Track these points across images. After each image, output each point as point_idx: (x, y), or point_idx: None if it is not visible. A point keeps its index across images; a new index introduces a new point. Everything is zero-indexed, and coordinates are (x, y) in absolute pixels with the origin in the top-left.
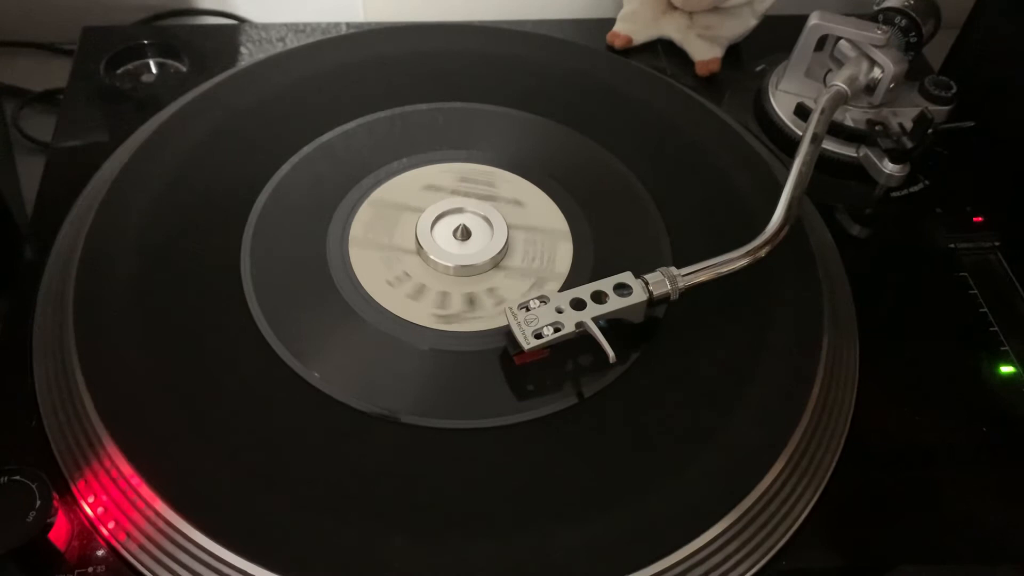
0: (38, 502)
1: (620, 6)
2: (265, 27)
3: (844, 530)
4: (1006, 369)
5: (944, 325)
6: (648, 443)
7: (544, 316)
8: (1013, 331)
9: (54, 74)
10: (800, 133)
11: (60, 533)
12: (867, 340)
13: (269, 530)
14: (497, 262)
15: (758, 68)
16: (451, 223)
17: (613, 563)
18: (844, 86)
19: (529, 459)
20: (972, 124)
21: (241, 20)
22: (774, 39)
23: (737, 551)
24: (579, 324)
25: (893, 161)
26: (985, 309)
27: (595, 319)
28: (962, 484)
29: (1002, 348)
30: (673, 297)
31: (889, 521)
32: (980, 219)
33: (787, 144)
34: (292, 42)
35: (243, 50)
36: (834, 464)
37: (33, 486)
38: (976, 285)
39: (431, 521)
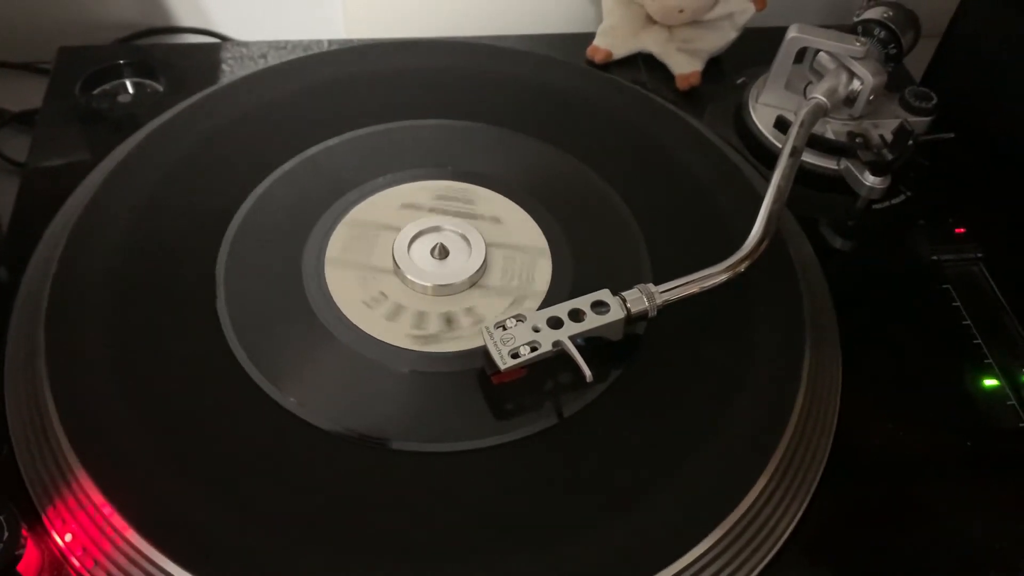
0: (6, 534)
1: (600, 21)
2: (246, 45)
3: (829, 546)
4: (989, 382)
5: (927, 338)
6: (629, 462)
7: (521, 335)
8: (996, 344)
9: (33, 94)
10: (780, 146)
11: (30, 565)
12: (850, 354)
13: (245, 559)
14: (475, 281)
15: (738, 81)
16: (429, 242)
17: None
18: (824, 99)
19: (510, 481)
20: (952, 136)
21: (223, 38)
22: (754, 52)
23: (721, 570)
24: (556, 343)
25: (874, 173)
26: (968, 321)
27: (572, 337)
28: (946, 498)
29: (986, 361)
30: (651, 314)
31: (873, 536)
32: (962, 230)
33: (768, 157)
34: (273, 59)
35: (224, 68)
36: (818, 479)
37: (1, 518)
38: (959, 297)
39: (412, 546)
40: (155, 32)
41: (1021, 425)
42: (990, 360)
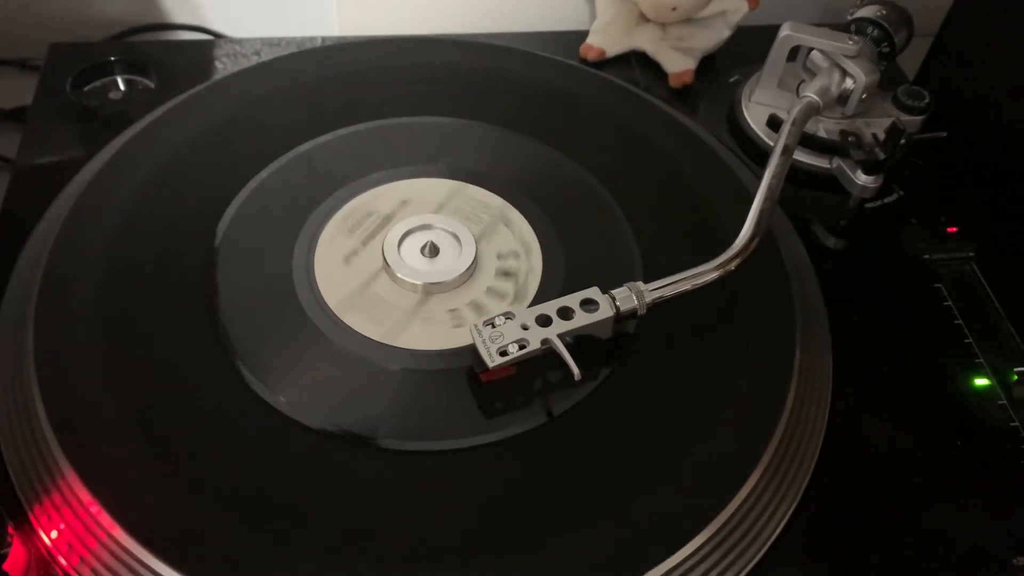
0: None
1: (593, 19)
2: (239, 42)
3: (818, 545)
4: (980, 382)
5: (919, 337)
6: (618, 461)
7: (509, 333)
8: (988, 343)
9: (23, 91)
10: (773, 145)
11: (16, 563)
12: (840, 352)
13: (232, 559)
14: (466, 279)
15: (731, 79)
16: (419, 240)
17: None
18: (816, 97)
19: (498, 480)
20: (945, 135)
21: (216, 35)
22: (747, 50)
23: (712, 568)
24: (544, 341)
25: (866, 172)
26: (960, 321)
27: (561, 336)
28: (937, 497)
29: (976, 360)
30: (640, 312)
31: (864, 535)
32: (954, 229)
33: (760, 156)
34: (266, 57)
35: (217, 65)
36: (808, 479)
37: None
38: (951, 296)
39: (401, 546)
40: (147, 29)
41: (1012, 424)
42: (981, 359)
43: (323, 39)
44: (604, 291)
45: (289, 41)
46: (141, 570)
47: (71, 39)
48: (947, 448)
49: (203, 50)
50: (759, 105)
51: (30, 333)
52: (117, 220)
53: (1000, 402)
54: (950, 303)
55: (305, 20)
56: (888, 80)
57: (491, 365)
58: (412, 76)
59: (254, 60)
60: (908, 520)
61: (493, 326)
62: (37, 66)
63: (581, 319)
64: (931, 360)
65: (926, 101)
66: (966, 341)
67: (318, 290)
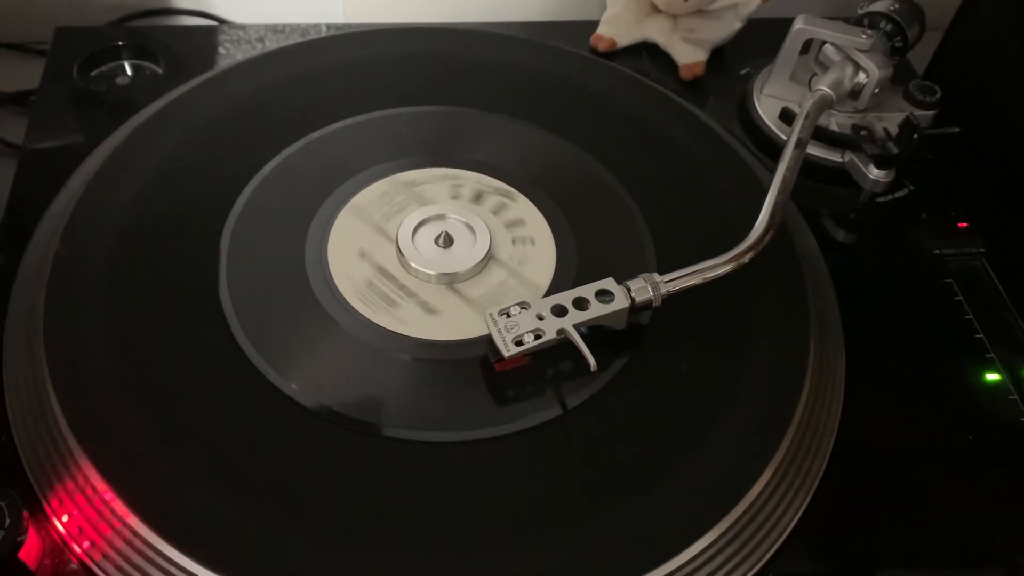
0: (7, 520)
1: (603, 9)
2: (243, 27)
3: (832, 538)
4: (991, 376)
5: (929, 332)
6: (632, 454)
7: (525, 323)
8: (998, 338)
9: (26, 75)
10: (785, 138)
11: (31, 551)
12: (852, 347)
13: (245, 546)
14: (479, 269)
15: (742, 72)
16: (433, 230)
17: None
18: (829, 91)
19: (511, 471)
20: (957, 130)
21: (219, 20)
22: (758, 43)
23: (727, 562)
24: (560, 331)
25: (878, 166)
26: (970, 316)
27: (577, 326)
28: (948, 491)
29: (987, 355)
30: (656, 304)
31: (876, 527)
32: (964, 224)
33: (772, 149)
34: (270, 43)
35: (221, 51)
36: (822, 472)
37: (2, 504)
38: (961, 291)
39: (410, 537)
40: (150, 13)
41: (1022, 419)
42: (992, 354)
43: (327, 26)
44: (619, 282)
45: (293, 28)
46: (153, 555)
47: (71, 23)
48: (958, 443)
49: (206, 36)
50: (770, 98)
51: (40, 321)
52: (127, 206)
53: (1011, 397)
54: (960, 298)
55: (309, 6)
56: (897, 75)
57: (507, 355)
58: (421, 66)
59: (258, 47)
60: (919, 514)
61: (508, 316)
62: (39, 50)
63: (596, 310)
64: (942, 355)
65: (937, 96)
66: (977, 336)
67: (331, 278)
